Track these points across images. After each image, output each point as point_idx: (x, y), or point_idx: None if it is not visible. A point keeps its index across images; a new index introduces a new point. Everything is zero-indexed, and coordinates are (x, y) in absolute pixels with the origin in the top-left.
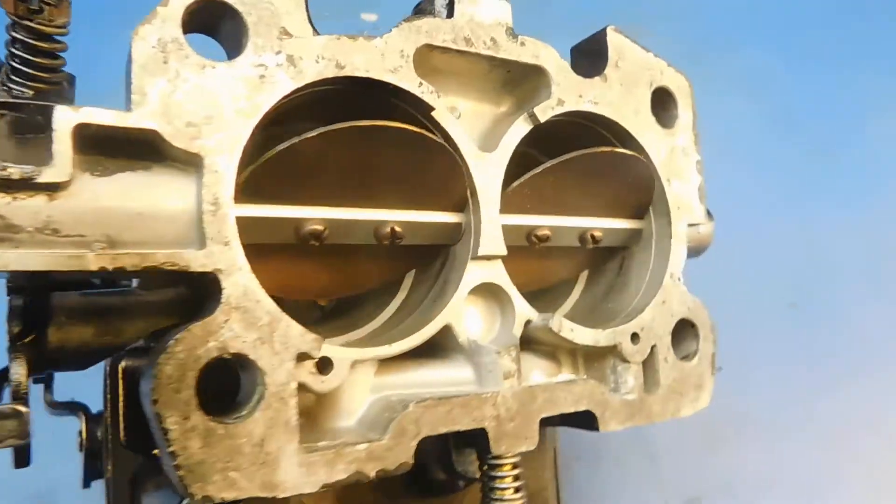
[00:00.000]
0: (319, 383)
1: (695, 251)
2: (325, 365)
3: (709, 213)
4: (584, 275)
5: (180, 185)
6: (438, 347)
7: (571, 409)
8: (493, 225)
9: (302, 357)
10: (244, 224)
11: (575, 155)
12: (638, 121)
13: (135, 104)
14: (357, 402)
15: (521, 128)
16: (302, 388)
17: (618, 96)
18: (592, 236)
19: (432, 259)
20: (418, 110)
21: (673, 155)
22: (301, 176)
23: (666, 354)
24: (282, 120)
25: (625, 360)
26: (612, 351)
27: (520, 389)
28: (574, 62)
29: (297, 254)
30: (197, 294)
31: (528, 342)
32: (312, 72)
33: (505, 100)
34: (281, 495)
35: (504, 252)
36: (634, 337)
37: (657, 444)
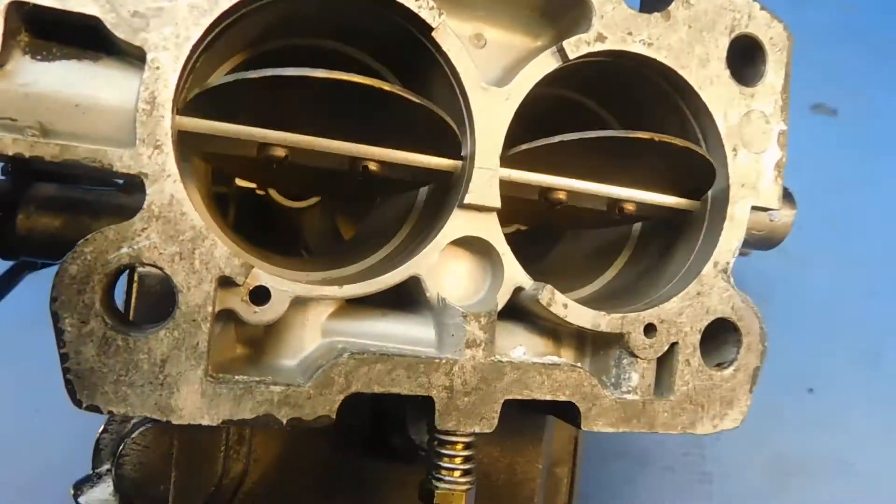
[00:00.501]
0: (251, 313)
1: (763, 242)
2: (260, 295)
3: (788, 197)
4: (628, 252)
5: (124, 80)
6: (407, 300)
7: (548, 397)
8: (488, 172)
9: (225, 282)
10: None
11: (603, 135)
12: (705, 73)
13: None
14: (304, 342)
15: (544, 64)
16: (232, 315)
17: (681, 40)
18: (621, 208)
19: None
20: (417, 28)
21: (748, 120)
22: (266, 106)
23: (689, 356)
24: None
25: (632, 354)
26: (619, 340)
27: (484, 362)
28: None
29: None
30: None
31: (526, 314)
32: None
33: (543, 32)
34: (175, 422)
35: (497, 204)
36: (649, 329)
37: (714, 464)
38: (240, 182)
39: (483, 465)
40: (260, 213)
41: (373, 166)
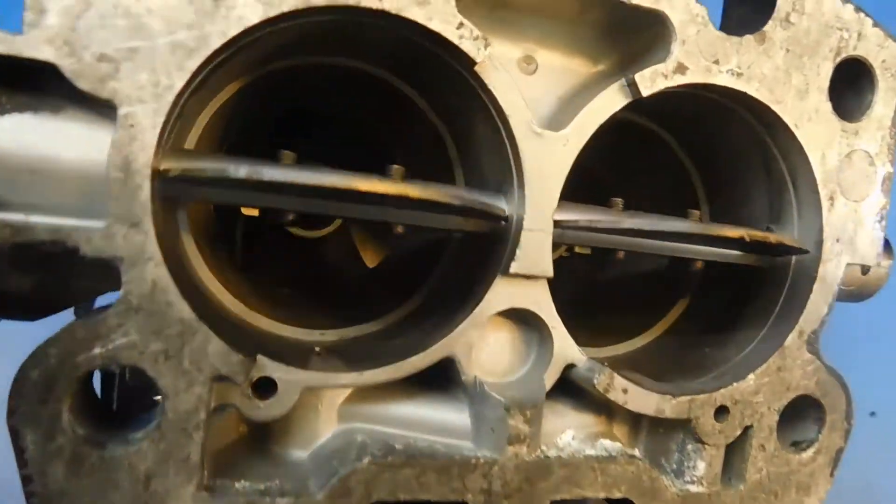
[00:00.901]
0: (256, 409)
1: (851, 296)
2: (265, 387)
3: (888, 247)
4: (685, 301)
5: (93, 135)
6: (439, 379)
7: (601, 495)
8: (539, 236)
9: (220, 380)
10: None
11: (679, 230)
12: (802, 107)
13: (27, 24)
14: (318, 429)
15: (611, 101)
16: (230, 408)
17: (777, 67)
18: (687, 265)
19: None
20: (458, 61)
21: (849, 162)
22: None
23: (765, 440)
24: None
25: (698, 440)
26: (684, 424)
27: (529, 460)
28: (725, 10)
29: None
30: None
31: (575, 387)
32: None
33: (605, 55)
34: None
35: (549, 273)
36: (721, 412)
37: None
38: (246, 211)
39: None
40: (273, 244)
41: (399, 230)
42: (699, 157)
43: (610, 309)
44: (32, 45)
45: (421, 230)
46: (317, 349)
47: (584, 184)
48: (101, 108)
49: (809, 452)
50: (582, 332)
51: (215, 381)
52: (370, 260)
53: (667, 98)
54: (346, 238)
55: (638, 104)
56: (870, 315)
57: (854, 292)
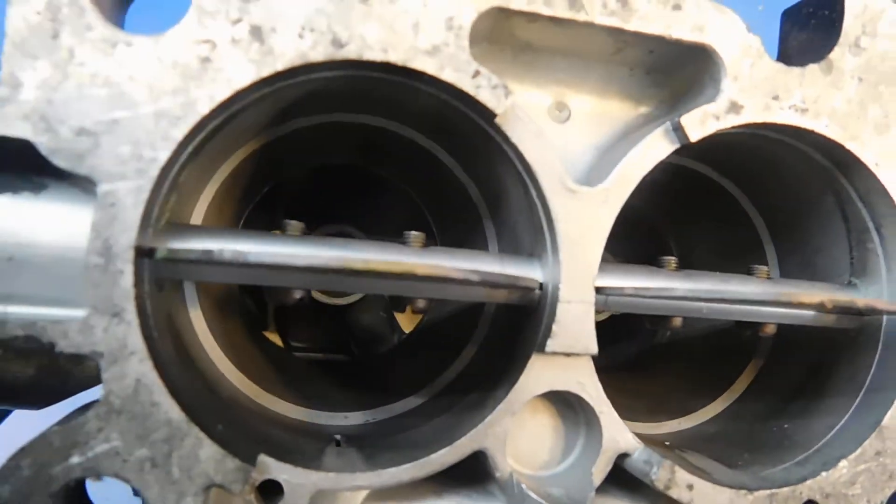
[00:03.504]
0: None
1: None
2: (270, 491)
3: None
4: (755, 367)
5: (74, 217)
6: (470, 471)
7: None
8: (579, 308)
9: (213, 487)
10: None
11: (750, 315)
12: (882, 143)
13: (2, 99)
14: None
15: (655, 148)
16: None
17: (849, 100)
18: (757, 330)
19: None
20: (478, 114)
21: None
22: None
23: None
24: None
25: None
26: None
27: None
28: (783, 38)
29: None
30: None
31: (627, 478)
32: (290, 52)
33: (648, 97)
34: None
35: (594, 350)
36: None
37: None
38: None
39: None
40: (300, 313)
41: (420, 304)
42: (764, 203)
43: (669, 376)
44: (7, 122)
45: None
46: (337, 437)
47: (637, 235)
48: (85, 183)
49: None
50: (637, 404)
51: (209, 489)
52: (407, 324)
53: (722, 139)
54: (380, 301)
55: (691, 148)
56: None
57: None
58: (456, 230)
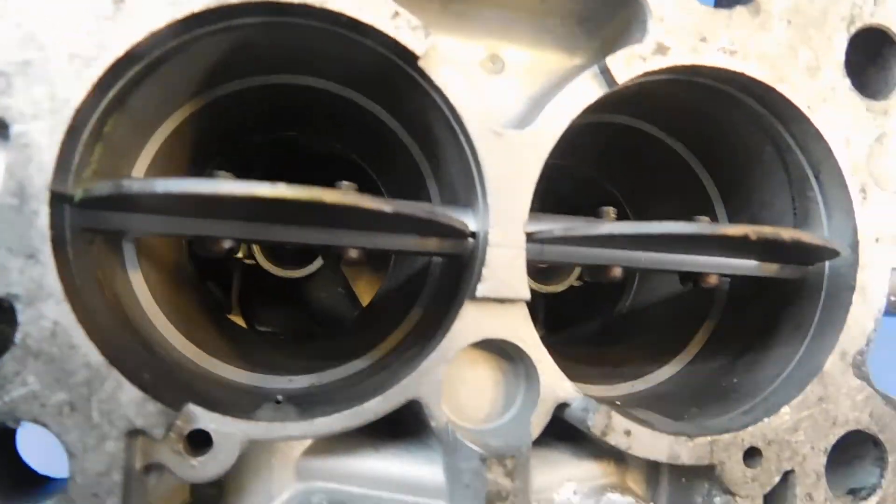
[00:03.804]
0: (189, 468)
1: None
2: (199, 441)
3: None
4: (711, 325)
5: None
6: (407, 423)
7: None
8: (509, 252)
9: (136, 434)
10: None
11: (671, 232)
12: (815, 86)
13: None
14: (272, 489)
15: (583, 92)
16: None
17: (778, 42)
18: (697, 280)
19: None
20: (400, 56)
21: (880, 147)
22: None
23: (811, 488)
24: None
25: (728, 492)
26: (709, 472)
27: None
28: None
29: None
30: None
31: (572, 432)
32: None
33: (582, 45)
34: None
35: (526, 295)
36: (752, 455)
37: None
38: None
39: None
40: (257, 286)
41: (353, 254)
42: (712, 163)
43: (627, 344)
44: None
45: (386, 256)
46: (278, 398)
47: (594, 204)
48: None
49: (871, 501)
50: (593, 371)
51: (131, 435)
52: (364, 296)
53: (653, 91)
54: (338, 277)
55: (618, 104)
56: None
57: None
58: (403, 194)
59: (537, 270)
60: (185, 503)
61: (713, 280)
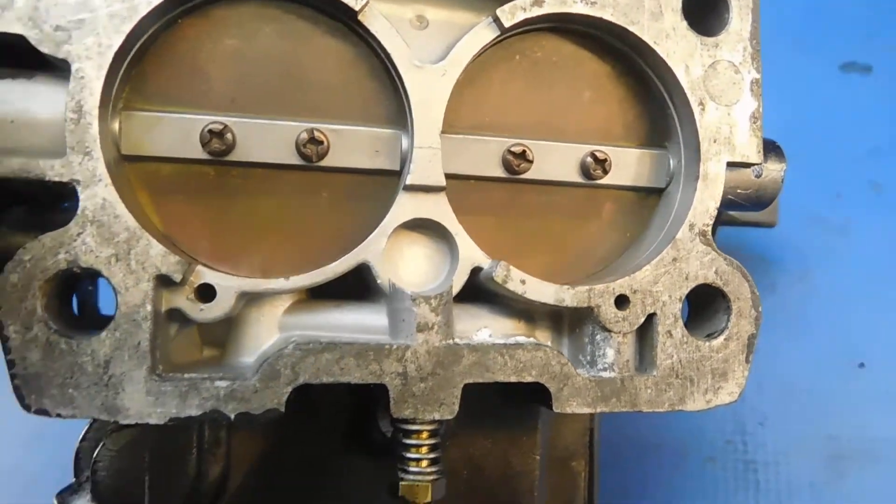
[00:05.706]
0: (198, 311)
1: (754, 200)
2: (205, 292)
3: (776, 151)
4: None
5: (56, 94)
6: (362, 290)
7: (512, 379)
8: (429, 152)
9: (163, 280)
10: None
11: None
12: (659, 27)
13: (1, 7)
14: (261, 338)
15: (479, 35)
16: (182, 315)
17: None
18: (595, 157)
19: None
20: (342, 13)
21: (714, 71)
22: (199, 77)
23: (671, 327)
24: None
25: (605, 328)
26: (591, 315)
27: (439, 346)
28: None
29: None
30: None
31: (492, 296)
32: None
33: (487, 7)
34: (123, 421)
35: (441, 183)
36: (621, 301)
37: (759, 451)
38: None
39: (475, 459)
40: None
41: (318, 135)
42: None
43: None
44: (7, 23)
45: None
46: None
47: None
48: (62, 70)
49: (721, 339)
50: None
51: (159, 280)
52: None
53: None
54: None
55: None
56: (857, 267)
57: (753, 195)
58: None
59: None
60: (196, 361)
61: (602, 155)
